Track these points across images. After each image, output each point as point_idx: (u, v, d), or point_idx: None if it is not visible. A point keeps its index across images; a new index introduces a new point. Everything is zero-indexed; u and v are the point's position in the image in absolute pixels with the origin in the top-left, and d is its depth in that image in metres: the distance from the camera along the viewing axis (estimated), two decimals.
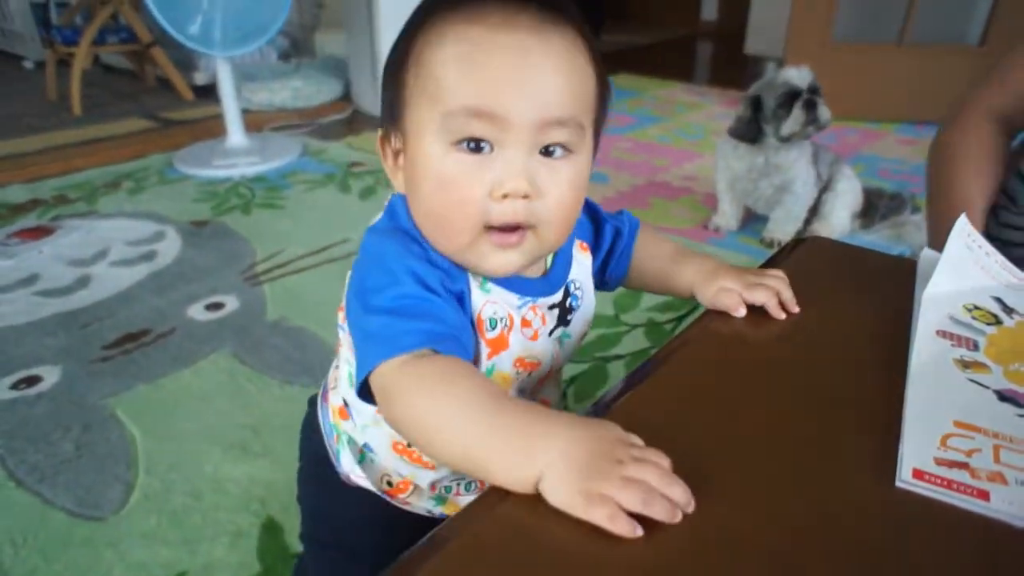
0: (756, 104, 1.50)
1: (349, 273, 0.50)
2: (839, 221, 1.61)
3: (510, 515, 0.34)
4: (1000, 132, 0.75)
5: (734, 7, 4.73)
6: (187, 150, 2.21)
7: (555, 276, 0.53)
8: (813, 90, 1.46)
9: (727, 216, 1.67)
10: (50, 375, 1.12)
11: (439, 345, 0.42)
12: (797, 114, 1.45)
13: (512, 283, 0.50)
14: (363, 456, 0.57)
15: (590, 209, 0.60)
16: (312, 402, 0.64)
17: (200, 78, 3.02)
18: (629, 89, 3.19)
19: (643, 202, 1.85)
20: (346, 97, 2.93)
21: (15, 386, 1.09)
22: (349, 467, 0.58)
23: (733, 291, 0.53)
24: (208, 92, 2.81)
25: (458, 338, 0.44)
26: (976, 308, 0.54)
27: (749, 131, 1.51)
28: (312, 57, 3.29)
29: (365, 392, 0.44)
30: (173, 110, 2.80)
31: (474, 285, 0.48)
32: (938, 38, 2.61)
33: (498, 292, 0.49)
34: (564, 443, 0.34)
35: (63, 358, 1.17)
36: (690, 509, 0.33)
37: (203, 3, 1.94)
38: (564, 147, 0.45)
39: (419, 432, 0.41)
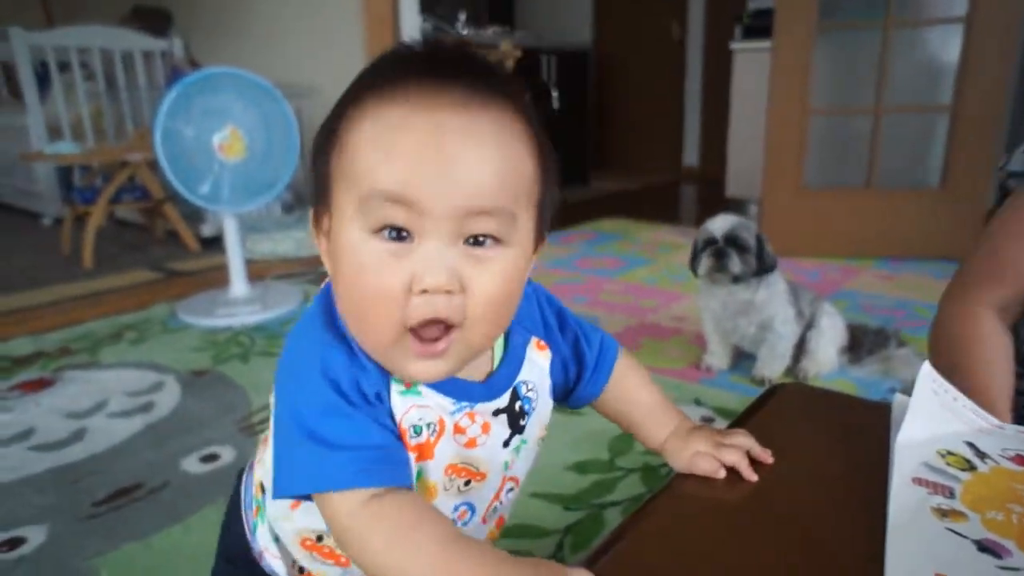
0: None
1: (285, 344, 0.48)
2: (826, 357, 1.65)
3: None
4: (1003, 323, 0.73)
5: (713, 154, 5.07)
6: (190, 300, 2.28)
7: (499, 379, 0.50)
8: (730, 240, 1.55)
9: (717, 355, 1.70)
10: (35, 536, 1.10)
11: (374, 476, 0.41)
12: (705, 260, 1.57)
13: (447, 385, 0.46)
14: (278, 537, 0.56)
15: (555, 310, 0.57)
16: (240, 476, 0.61)
17: (207, 230, 3.17)
18: (616, 232, 3.34)
19: (635, 343, 1.89)
20: None
21: None
22: (264, 543, 0.56)
23: (708, 455, 0.54)
24: (214, 243, 2.95)
25: (390, 457, 0.43)
26: (950, 454, 0.56)
27: (691, 265, 1.64)
28: None
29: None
30: (179, 261, 2.91)
31: (395, 389, 0.45)
32: (901, 182, 2.80)
33: (430, 395, 0.46)
34: None
35: (51, 517, 1.14)
36: None
37: (214, 166, 2.09)
38: (493, 237, 0.41)
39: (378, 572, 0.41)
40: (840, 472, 0.55)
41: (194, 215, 3.13)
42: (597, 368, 0.58)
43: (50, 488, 1.23)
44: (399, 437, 0.45)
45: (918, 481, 0.52)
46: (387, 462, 0.42)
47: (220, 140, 2.07)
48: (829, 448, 0.58)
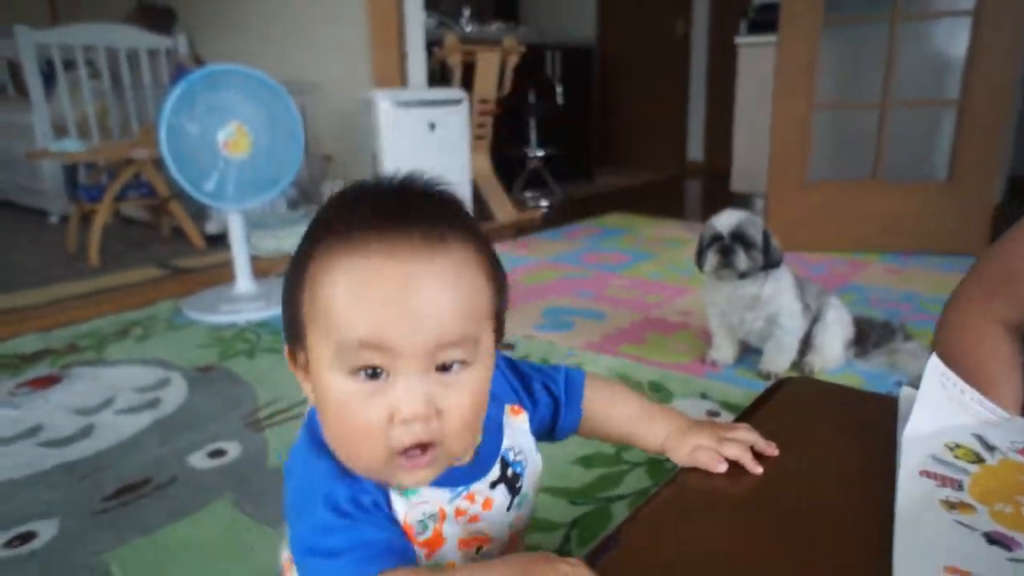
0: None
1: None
2: (832, 352, 1.64)
3: None
4: (1013, 338, 0.72)
5: (718, 149, 5.06)
6: (196, 297, 2.28)
7: (485, 456, 0.53)
8: (737, 236, 1.54)
9: (723, 350, 1.70)
10: (46, 530, 1.10)
11: (374, 567, 0.43)
12: (711, 257, 1.57)
13: (440, 478, 0.49)
14: None
15: (515, 370, 0.61)
16: None
17: (212, 227, 3.17)
18: (621, 227, 3.34)
19: (640, 338, 1.89)
20: None
21: (9, 544, 1.07)
22: None
23: (708, 448, 0.55)
24: (219, 240, 2.95)
25: (392, 548, 0.45)
26: (958, 446, 0.56)
27: (697, 261, 1.64)
28: (319, 205, 3.46)
29: None
30: (185, 258, 2.92)
31: (394, 494, 0.48)
32: (908, 176, 2.78)
33: (427, 492, 0.49)
34: None
35: (61, 512, 1.15)
36: None
37: (219, 162, 2.09)
38: (461, 362, 0.45)
39: None
40: (847, 465, 0.55)
41: (199, 212, 3.13)
42: (569, 399, 0.62)
43: (60, 484, 1.24)
44: (404, 536, 0.48)
45: (926, 474, 0.52)
46: (388, 554, 0.45)
47: (225, 137, 2.07)
48: (836, 441, 0.58)
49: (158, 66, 3.52)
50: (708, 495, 0.52)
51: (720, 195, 4.13)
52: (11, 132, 3.72)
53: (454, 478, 0.50)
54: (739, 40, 3.81)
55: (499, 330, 0.51)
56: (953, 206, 2.59)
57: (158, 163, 2.94)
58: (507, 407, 0.57)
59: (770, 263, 1.55)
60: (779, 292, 1.59)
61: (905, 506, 0.47)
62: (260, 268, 2.52)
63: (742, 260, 1.53)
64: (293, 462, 0.51)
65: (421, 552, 0.49)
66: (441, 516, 0.50)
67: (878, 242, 2.72)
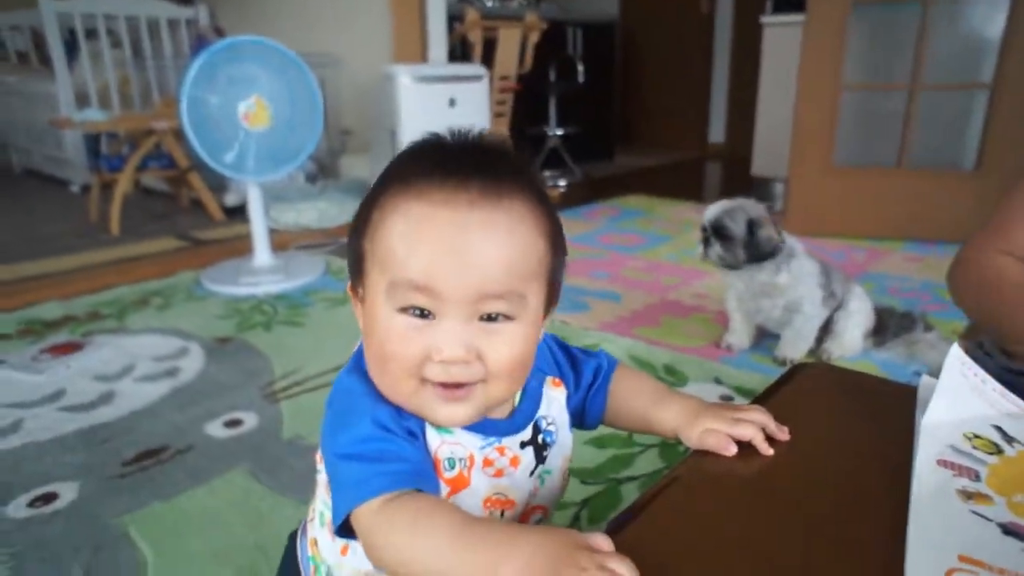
0: None
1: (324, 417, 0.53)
2: (851, 340, 1.63)
3: None
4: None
5: (740, 131, 4.99)
6: (215, 268, 2.30)
7: (521, 415, 0.55)
8: (715, 229, 1.56)
9: (739, 334, 1.69)
10: (68, 492, 1.13)
11: (406, 484, 0.45)
12: (699, 247, 1.61)
13: (476, 424, 0.51)
14: None
15: (564, 349, 0.63)
16: (292, 537, 0.66)
17: (231, 199, 3.19)
18: (638, 209, 3.31)
19: (655, 320, 1.89)
20: None
21: (32, 503, 1.10)
22: None
23: (718, 431, 0.54)
24: (238, 212, 2.97)
25: (423, 473, 0.47)
26: (976, 437, 0.55)
27: None
28: (337, 179, 3.47)
29: (343, 531, 0.47)
30: (204, 230, 2.94)
31: (429, 428, 0.50)
32: (935, 163, 2.73)
33: (460, 434, 0.51)
34: (528, 553, 0.38)
35: (82, 475, 1.18)
36: None
37: (239, 134, 2.10)
38: (504, 315, 0.47)
39: (403, 569, 0.43)
40: (863, 451, 0.54)
41: (218, 184, 3.15)
42: (601, 380, 0.63)
43: (80, 448, 1.27)
44: (434, 466, 0.50)
45: (943, 463, 0.51)
46: (421, 476, 0.47)
47: (245, 109, 2.08)
48: (852, 428, 0.58)
49: (179, 36, 3.53)
50: (720, 478, 0.52)
51: (740, 178, 4.08)
52: (35, 101, 3.76)
53: (487, 428, 0.52)
54: (765, 19, 3.73)
55: (552, 294, 0.52)
56: (980, 195, 2.53)
57: (178, 134, 2.96)
58: (548, 378, 0.59)
59: (756, 256, 1.53)
60: (799, 280, 1.57)
61: (921, 494, 0.47)
62: (278, 241, 2.53)
63: (715, 252, 1.56)
64: (338, 387, 0.53)
65: (445, 489, 0.50)
66: (470, 462, 0.52)
67: (900, 230, 2.68)
